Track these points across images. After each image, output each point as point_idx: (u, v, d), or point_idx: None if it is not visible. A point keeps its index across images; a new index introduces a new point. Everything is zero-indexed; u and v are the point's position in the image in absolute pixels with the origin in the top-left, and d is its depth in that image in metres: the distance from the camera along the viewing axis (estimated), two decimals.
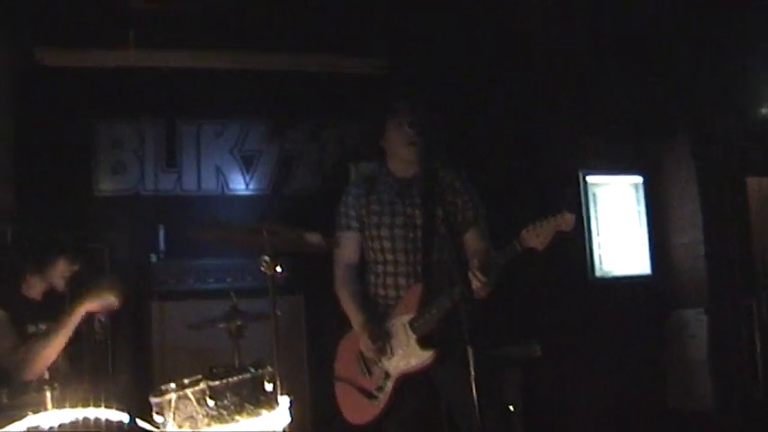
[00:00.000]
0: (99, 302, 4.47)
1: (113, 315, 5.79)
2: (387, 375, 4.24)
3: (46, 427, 3.48)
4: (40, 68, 6.29)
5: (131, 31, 6.23)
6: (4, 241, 5.26)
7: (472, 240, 4.34)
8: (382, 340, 4.23)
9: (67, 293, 4.85)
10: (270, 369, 4.03)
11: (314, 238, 4.46)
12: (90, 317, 5.49)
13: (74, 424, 3.57)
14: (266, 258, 4.12)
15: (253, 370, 4.03)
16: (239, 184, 6.75)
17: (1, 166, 5.70)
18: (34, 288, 4.59)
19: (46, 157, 6.29)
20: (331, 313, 4.64)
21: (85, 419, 3.58)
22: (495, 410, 3.96)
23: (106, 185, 6.60)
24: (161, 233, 6.25)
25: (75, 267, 4.67)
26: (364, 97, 6.09)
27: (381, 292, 4.38)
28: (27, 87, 6.02)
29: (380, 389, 4.26)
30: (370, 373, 4.32)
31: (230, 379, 3.93)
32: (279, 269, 4.22)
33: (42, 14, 6.18)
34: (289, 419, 4.03)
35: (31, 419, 3.56)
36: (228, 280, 5.90)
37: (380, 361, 4.26)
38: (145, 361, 5.82)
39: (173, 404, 3.89)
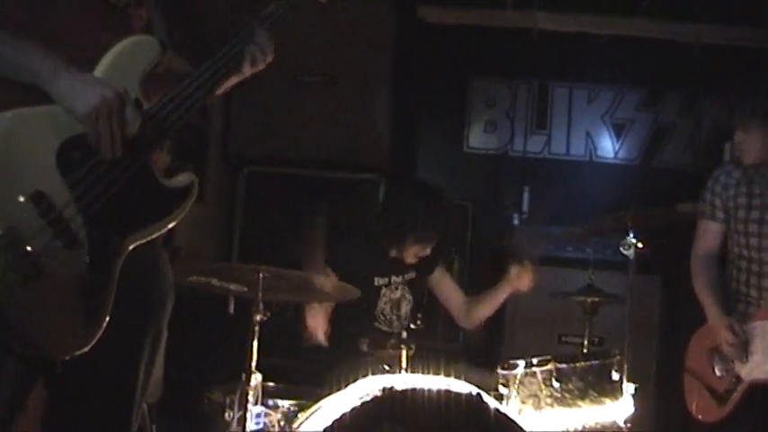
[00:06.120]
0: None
1: None
2: (738, 380, 4.00)
3: (399, 389, 3.53)
4: (421, 25, 6.49)
5: None
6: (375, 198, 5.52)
7: None
8: (742, 338, 4.01)
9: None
10: (618, 358, 3.99)
11: (685, 207, 4.37)
12: None
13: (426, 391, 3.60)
14: (628, 242, 4.11)
15: (601, 357, 4.01)
16: (608, 153, 6.64)
17: (379, 119, 5.94)
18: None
19: (421, 111, 6.54)
20: (688, 297, 4.48)
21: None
22: None
23: (477, 143, 6.76)
24: (525, 195, 6.31)
25: (426, 253, 4.53)
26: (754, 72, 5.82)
27: (743, 289, 4.13)
28: (407, 43, 6.22)
29: (729, 392, 4.04)
30: (720, 372, 4.12)
31: (578, 364, 3.93)
32: (640, 245, 4.20)
33: None
34: (632, 410, 3.97)
35: (388, 379, 3.62)
36: (588, 251, 5.81)
37: (734, 362, 4.05)
38: (496, 321, 5.91)
39: (518, 379, 3.95)
